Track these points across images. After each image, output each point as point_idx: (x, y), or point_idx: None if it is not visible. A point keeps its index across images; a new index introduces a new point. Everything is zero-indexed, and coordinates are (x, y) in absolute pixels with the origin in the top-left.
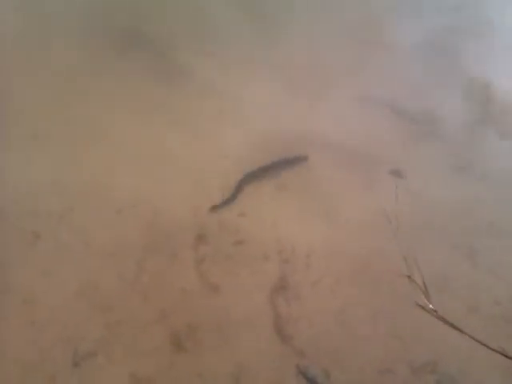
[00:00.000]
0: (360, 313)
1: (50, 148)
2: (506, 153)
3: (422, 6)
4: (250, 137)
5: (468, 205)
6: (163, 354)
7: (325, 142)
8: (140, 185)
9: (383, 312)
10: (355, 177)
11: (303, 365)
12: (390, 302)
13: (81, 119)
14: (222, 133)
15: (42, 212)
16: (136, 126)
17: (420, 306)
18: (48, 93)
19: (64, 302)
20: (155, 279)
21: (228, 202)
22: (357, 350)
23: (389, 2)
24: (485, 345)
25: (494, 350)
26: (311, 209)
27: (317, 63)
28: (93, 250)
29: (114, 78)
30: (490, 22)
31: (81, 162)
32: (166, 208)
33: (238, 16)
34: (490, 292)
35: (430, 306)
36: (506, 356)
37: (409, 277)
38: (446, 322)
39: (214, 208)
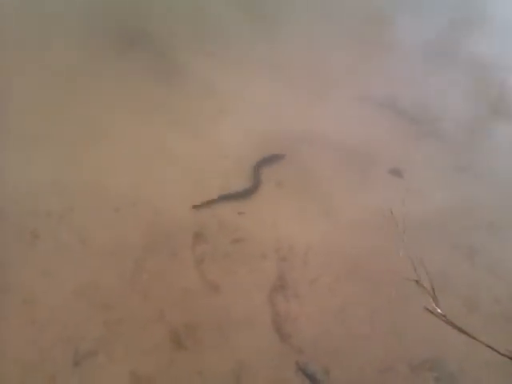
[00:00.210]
0: (359, 311)
1: (49, 148)
2: (506, 153)
3: (422, 5)
4: (250, 137)
5: (468, 205)
6: (163, 353)
7: (325, 141)
8: (140, 184)
9: (382, 310)
10: (355, 176)
11: (302, 361)
12: (388, 301)
13: (81, 119)
14: (222, 133)
15: (42, 212)
16: (136, 125)
17: (428, 310)
18: (48, 93)
19: (64, 301)
20: (155, 278)
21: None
22: (356, 348)
23: (389, 1)
24: (495, 350)
25: (503, 354)
26: (310, 208)
27: (317, 63)
28: (93, 250)
29: (114, 78)
30: (490, 20)
31: (81, 161)
32: (166, 207)
33: (237, 16)
34: (490, 291)
35: (439, 310)
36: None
37: (417, 281)
38: (455, 326)
39: (209, 202)
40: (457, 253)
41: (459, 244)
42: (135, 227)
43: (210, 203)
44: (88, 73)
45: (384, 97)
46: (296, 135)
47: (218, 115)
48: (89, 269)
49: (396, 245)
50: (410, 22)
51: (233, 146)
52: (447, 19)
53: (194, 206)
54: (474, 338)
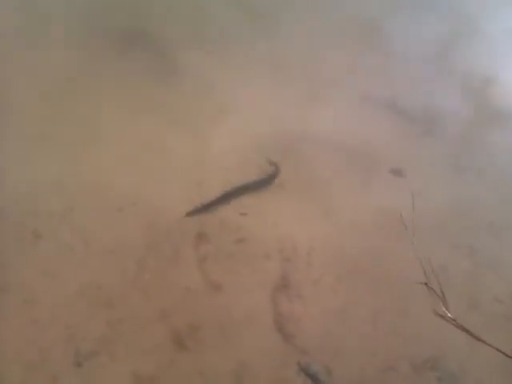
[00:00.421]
0: (360, 311)
1: (49, 148)
2: (506, 153)
3: (422, 5)
4: (250, 137)
5: (468, 205)
6: (165, 353)
7: (325, 141)
8: (140, 184)
9: (384, 310)
10: (356, 176)
11: (305, 362)
12: (390, 301)
13: (81, 119)
14: (222, 133)
15: (43, 212)
16: (136, 125)
17: (439, 315)
18: (48, 93)
19: (65, 301)
20: (156, 278)
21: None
22: (358, 348)
23: (389, 1)
24: (506, 354)
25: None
26: (312, 208)
27: (317, 63)
28: (94, 250)
29: (113, 78)
30: (491, 20)
31: (81, 161)
32: (167, 207)
33: (237, 16)
34: (490, 290)
35: (449, 314)
36: None
37: (426, 284)
38: (466, 330)
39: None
40: (457, 252)
41: (459, 244)
42: (136, 227)
43: (204, 208)
44: (88, 73)
45: (384, 97)
46: (296, 135)
47: (218, 115)
48: (90, 268)
49: (404, 247)
50: (410, 22)
51: (233, 146)
52: (448, 19)
53: (188, 214)
54: (484, 342)
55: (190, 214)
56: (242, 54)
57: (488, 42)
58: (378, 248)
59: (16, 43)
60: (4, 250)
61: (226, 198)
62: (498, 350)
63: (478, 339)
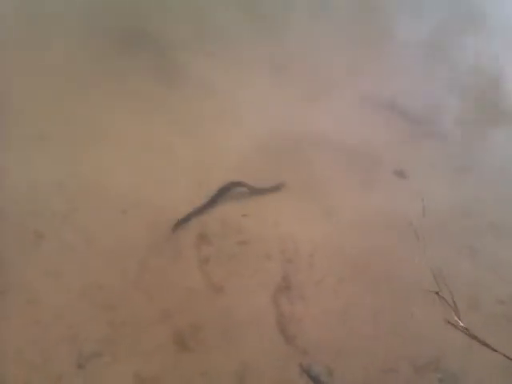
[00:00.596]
0: (362, 312)
1: (50, 148)
2: (506, 153)
3: (422, 5)
4: (250, 137)
5: (468, 205)
6: (167, 353)
7: (325, 141)
8: (141, 184)
9: (385, 311)
10: (356, 176)
11: (306, 363)
12: (391, 301)
13: (81, 119)
14: (223, 133)
15: (46, 212)
16: (136, 125)
17: (451, 323)
18: (48, 93)
19: (68, 301)
20: (158, 278)
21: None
22: (359, 349)
23: (389, 2)
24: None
25: None
26: (313, 209)
27: (317, 63)
28: (96, 250)
29: (114, 78)
30: (490, 20)
31: (81, 161)
32: (168, 207)
33: (238, 16)
34: (491, 291)
35: (461, 324)
36: None
37: (437, 293)
38: (478, 339)
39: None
40: (457, 253)
41: (459, 244)
42: (138, 227)
43: (187, 219)
44: (88, 73)
45: (384, 97)
46: (296, 135)
47: (218, 115)
48: (92, 269)
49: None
50: (410, 22)
51: (233, 146)
52: (448, 20)
53: (175, 226)
54: (496, 351)
55: (175, 227)
56: (242, 53)
57: (489, 41)
58: (379, 248)
59: (16, 43)
60: (6, 251)
61: (210, 203)
62: (509, 358)
63: (494, 350)
